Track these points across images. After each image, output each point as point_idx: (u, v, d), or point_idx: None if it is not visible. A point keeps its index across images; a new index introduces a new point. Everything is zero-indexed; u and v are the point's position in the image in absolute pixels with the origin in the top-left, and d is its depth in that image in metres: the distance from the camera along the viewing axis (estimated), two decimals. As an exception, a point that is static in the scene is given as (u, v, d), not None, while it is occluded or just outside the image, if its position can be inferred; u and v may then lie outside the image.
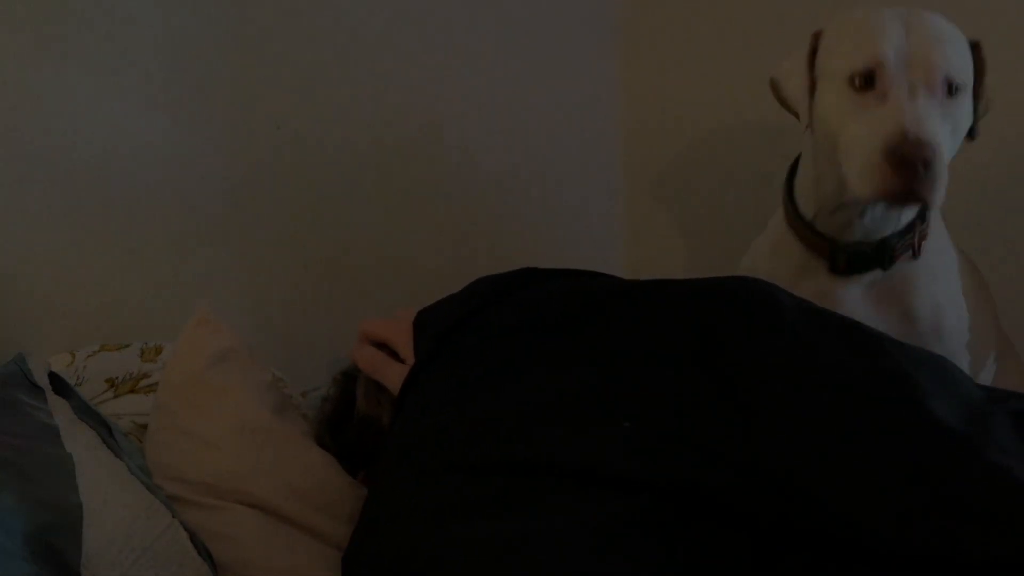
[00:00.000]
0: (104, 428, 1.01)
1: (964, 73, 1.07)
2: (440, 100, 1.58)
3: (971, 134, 1.10)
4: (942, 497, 0.73)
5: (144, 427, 1.10)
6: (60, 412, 0.97)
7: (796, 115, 1.16)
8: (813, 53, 1.14)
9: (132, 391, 1.17)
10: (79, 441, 0.94)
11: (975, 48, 1.10)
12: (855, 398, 0.80)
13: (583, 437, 0.82)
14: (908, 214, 1.13)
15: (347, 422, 1.11)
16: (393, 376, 1.03)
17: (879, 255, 1.13)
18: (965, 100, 1.07)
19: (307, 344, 1.44)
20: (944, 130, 1.03)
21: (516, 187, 1.68)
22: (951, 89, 1.04)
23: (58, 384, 1.04)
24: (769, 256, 1.22)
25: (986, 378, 1.21)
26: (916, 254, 1.14)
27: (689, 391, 0.84)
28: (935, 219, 1.18)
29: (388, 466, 0.92)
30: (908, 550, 0.72)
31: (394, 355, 1.05)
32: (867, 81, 1.05)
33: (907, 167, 0.98)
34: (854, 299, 1.14)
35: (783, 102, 1.19)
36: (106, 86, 1.27)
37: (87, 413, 1.01)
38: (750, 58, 1.55)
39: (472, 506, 0.80)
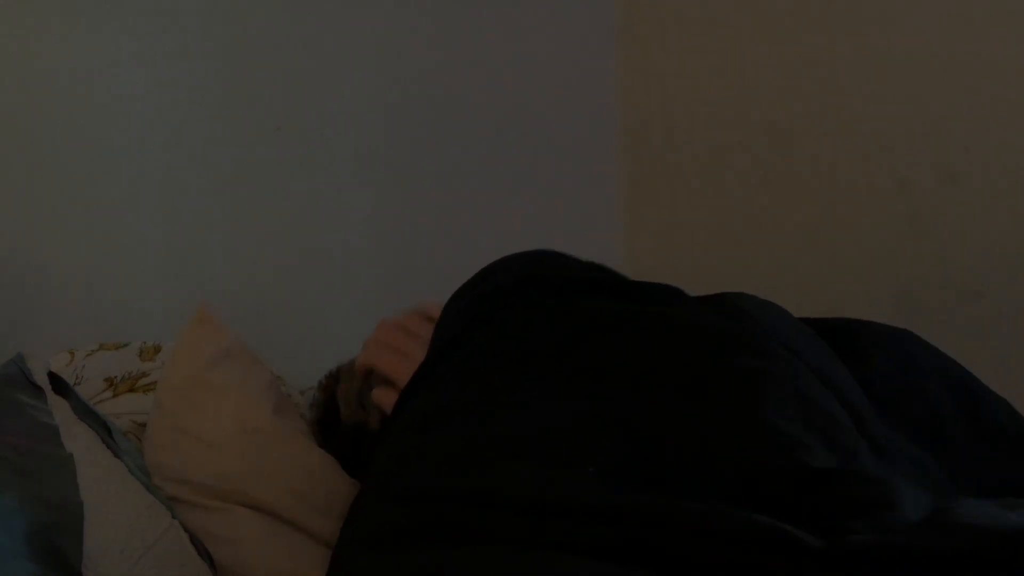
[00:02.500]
0: (103, 428, 1.00)
1: None
2: (440, 93, 1.58)
3: None
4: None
5: (143, 426, 1.10)
6: (60, 412, 0.97)
7: None
8: None
9: (131, 390, 1.17)
10: (79, 441, 0.94)
11: None
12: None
13: (558, 474, 0.80)
14: None
15: (336, 426, 1.09)
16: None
17: None
18: None
19: (307, 344, 1.44)
20: None
21: (516, 180, 1.68)
22: None
23: (57, 384, 1.03)
24: None
25: None
26: None
27: (669, 433, 0.83)
28: None
29: (365, 488, 0.90)
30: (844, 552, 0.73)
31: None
32: None
33: None
34: None
35: None
36: (106, 87, 1.27)
37: (86, 413, 1.01)
38: (752, 48, 1.55)
39: (438, 534, 0.78)
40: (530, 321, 0.97)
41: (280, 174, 1.43)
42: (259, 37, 1.40)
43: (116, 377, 1.17)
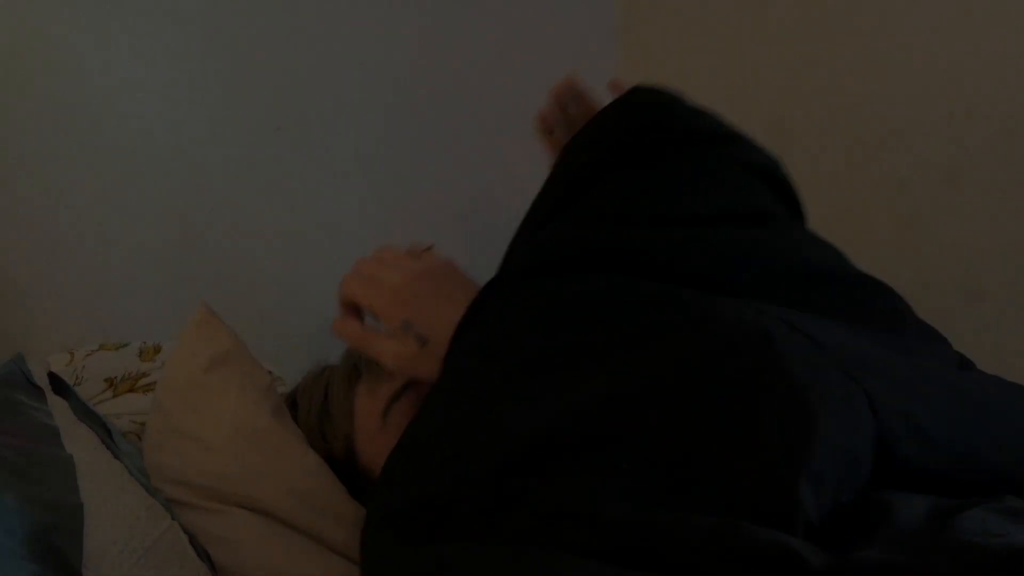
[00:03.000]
0: (103, 429, 1.00)
1: None
2: (440, 93, 1.58)
3: None
4: None
5: (143, 426, 1.10)
6: (60, 413, 0.97)
7: None
8: None
9: (131, 390, 1.17)
10: (79, 442, 0.94)
11: None
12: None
13: (560, 482, 0.80)
14: None
15: None
16: (385, 352, 0.99)
17: None
18: None
19: (307, 344, 1.44)
20: None
21: (517, 171, 1.68)
22: None
23: (57, 384, 1.04)
24: None
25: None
26: None
27: (682, 440, 0.81)
28: None
29: (377, 483, 0.89)
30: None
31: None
32: None
33: None
34: None
35: None
36: (106, 86, 1.27)
37: (86, 414, 1.01)
38: (752, 49, 1.55)
39: (439, 535, 0.78)
40: (551, 308, 0.92)
41: (280, 174, 1.43)
42: (259, 37, 1.40)
43: (116, 377, 1.18)
